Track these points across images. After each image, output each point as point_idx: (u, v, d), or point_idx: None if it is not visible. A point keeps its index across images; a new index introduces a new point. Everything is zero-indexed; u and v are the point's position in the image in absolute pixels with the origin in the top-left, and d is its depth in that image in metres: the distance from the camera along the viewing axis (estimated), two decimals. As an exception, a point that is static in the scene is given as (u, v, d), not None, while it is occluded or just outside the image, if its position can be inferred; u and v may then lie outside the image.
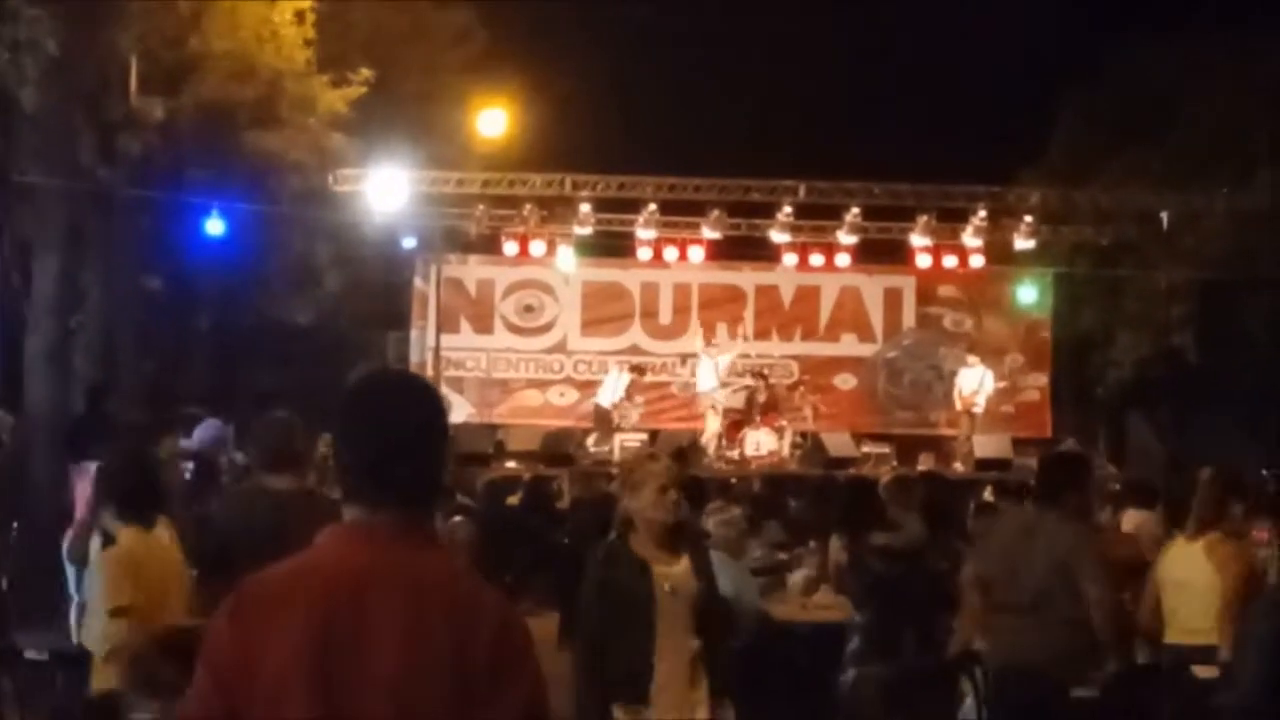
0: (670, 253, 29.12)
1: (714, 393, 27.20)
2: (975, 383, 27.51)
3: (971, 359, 28.19)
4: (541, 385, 30.02)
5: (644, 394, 30.03)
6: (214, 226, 24.64)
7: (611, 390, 27.49)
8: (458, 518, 12.90)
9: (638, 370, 28.11)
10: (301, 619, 3.31)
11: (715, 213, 28.08)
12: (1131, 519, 13.41)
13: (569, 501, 22.21)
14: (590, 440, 27.70)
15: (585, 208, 27.97)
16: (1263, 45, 28.00)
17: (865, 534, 11.05)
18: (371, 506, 3.48)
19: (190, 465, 16.10)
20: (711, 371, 27.32)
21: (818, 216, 28.85)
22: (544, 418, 28.88)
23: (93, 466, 14.75)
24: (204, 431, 19.04)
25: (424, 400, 3.64)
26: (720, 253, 29.58)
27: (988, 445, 25.85)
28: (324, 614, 3.32)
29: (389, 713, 3.28)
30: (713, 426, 27.14)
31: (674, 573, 7.43)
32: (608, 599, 7.48)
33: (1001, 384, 28.54)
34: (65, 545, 11.04)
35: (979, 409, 27.49)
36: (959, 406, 27.87)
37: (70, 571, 10.75)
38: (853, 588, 11.00)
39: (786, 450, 26.87)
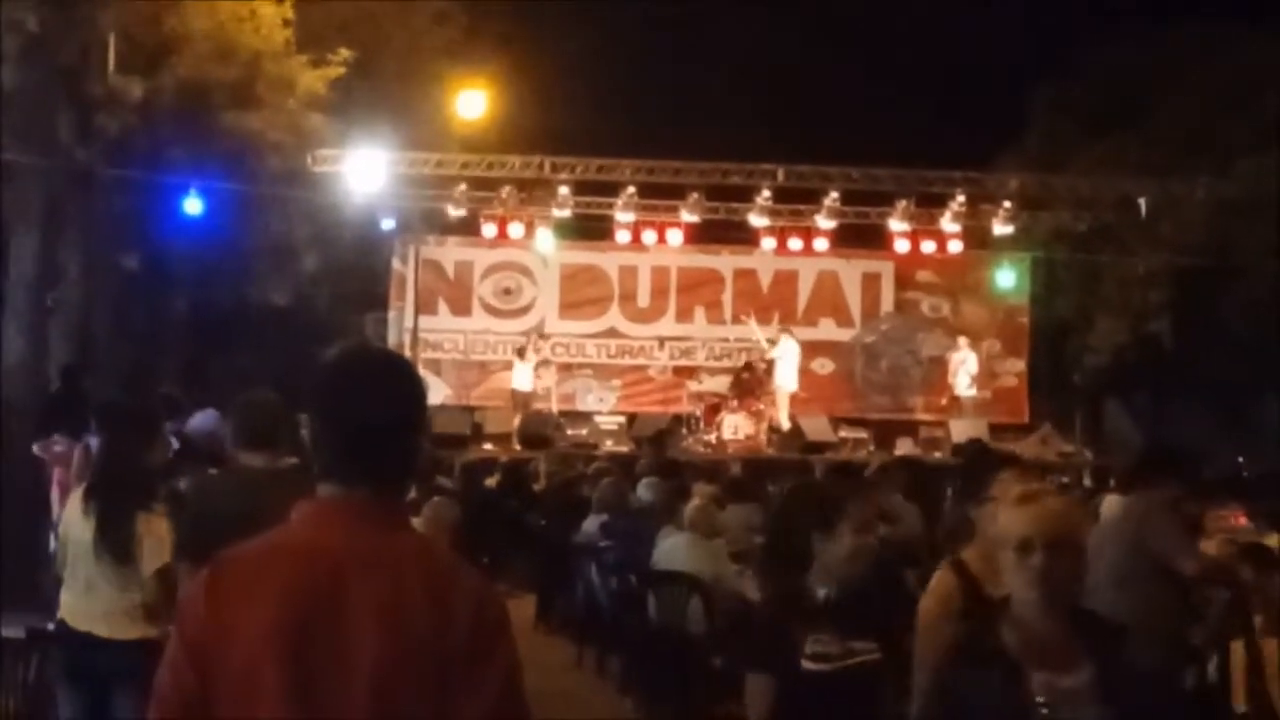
0: (649, 236, 29.19)
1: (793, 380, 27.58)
2: (974, 366, 28.06)
3: (961, 340, 28.61)
4: (519, 368, 30.01)
5: (620, 376, 30.20)
6: (192, 206, 24.56)
7: (523, 375, 27.58)
8: (438, 498, 12.90)
9: (539, 335, 28.80)
10: (277, 594, 3.30)
11: (694, 196, 28.14)
12: (1110, 505, 13.44)
13: (545, 484, 22.29)
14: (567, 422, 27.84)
15: (564, 190, 28.02)
16: (1241, 34, 28.06)
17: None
18: (346, 484, 3.46)
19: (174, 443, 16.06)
20: (794, 358, 27.48)
21: (796, 200, 28.92)
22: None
23: (65, 443, 14.80)
24: (200, 420, 19.01)
25: (401, 378, 3.61)
26: (698, 236, 29.65)
27: (964, 430, 25.93)
28: (300, 591, 3.30)
29: (366, 692, 3.27)
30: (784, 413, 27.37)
31: (1062, 687, 4.78)
32: (956, 708, 4.97)
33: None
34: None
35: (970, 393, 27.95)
36: (957, 390, 28.24)
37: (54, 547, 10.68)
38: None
39: (764, 434, 26.93)
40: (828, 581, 6.08)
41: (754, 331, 28.59)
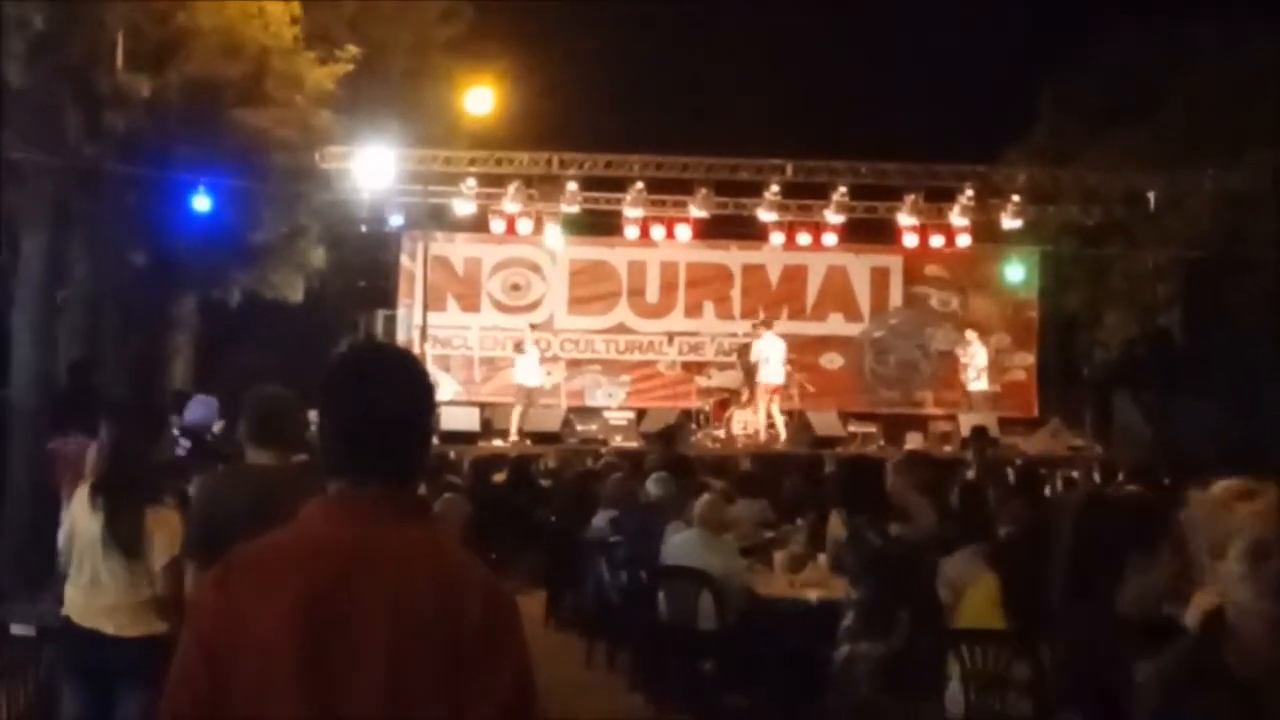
0: (657, 231, 29.17)
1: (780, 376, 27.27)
2: (984, 359, 28.10)
3: (970, 334, 28.67)
4: (528, 363, 30.00)
5: (629, 372, 30.18)
6: (200, 203, 24.55)
7: (525, 369, 27.50)
8: (449, 495, 12.88)
9: (532, 326, 28.82)
10: (288, 591, 3.29)
11: (702, 191, 28.11)
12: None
13: (554, 480, 22.25)
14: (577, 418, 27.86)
15: (572, 186, 28.02)
16: (1250, 25, 28.00)
17: (865, 511, 10.96)
18: (355, 480, 3.46)
19: (185, 443, 16.08)
20: (780, 353, 27.26)
21: (805, 196, 28.91)
22: (530, 396, 28.85)
23: (79, 441, 14.78)
24: (196, 409, 19.06)
25: (409, 373, 3.60)
26: (707, 231, 29.62)
27: (973, 424, 25.91)
28: (311, 587, 3.30)
29: (380, 685, 3.27)
30: (773, 412, 27.24)
31: None
32: None
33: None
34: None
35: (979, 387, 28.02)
36: (966, 384, 28.34)
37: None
38: (850, 564, 10.90)
39: (767, 430, 26.95)
40: (1142, 604, 5.54)
41: None
